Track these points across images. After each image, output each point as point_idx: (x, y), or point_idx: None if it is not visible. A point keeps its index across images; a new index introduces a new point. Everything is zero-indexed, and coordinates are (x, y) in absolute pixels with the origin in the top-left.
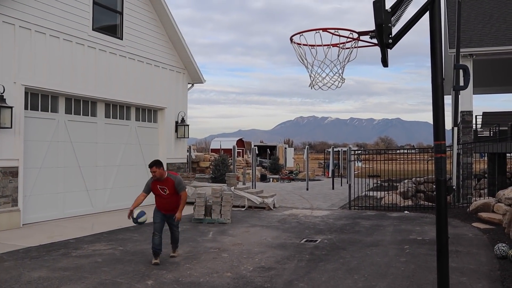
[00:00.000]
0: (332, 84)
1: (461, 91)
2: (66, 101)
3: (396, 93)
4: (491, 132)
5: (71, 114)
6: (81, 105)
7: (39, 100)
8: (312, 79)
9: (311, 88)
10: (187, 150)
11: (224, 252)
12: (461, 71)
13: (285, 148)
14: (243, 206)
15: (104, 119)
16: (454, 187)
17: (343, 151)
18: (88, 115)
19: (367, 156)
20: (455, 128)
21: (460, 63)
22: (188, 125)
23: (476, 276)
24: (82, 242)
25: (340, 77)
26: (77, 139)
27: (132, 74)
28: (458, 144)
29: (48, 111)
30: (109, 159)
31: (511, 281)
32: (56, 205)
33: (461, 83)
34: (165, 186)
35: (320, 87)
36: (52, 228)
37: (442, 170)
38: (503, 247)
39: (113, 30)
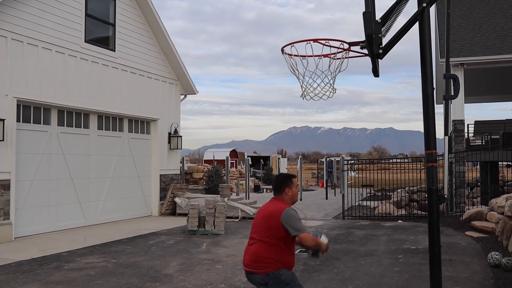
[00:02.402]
0: (324, 94)
1: (452, 100)
2: (58, 113)
3: (388, 102)
4: (483, 141)
5: (64, 126)
6: (73, 117)
7: (31, 112)
8: (303, 90)
9: (303, 98)
10: (180, 161)
11: (218, 264)
12: (451, 80)
13: (279, 158)
14: (237, 217)
15: (96, 131)
16: (446, 196)
17: (336, 161)
18: (80, 127)
19: (360, 165)
20: (446, 137)
21: (451, 72)
22: (181, 136)
23: (469, 285)
24: (74, 255)
25: (332, 87)
26: (69, 151)
27: (125, 85)
28: (450, 153)
29: (40, 123)
30: (101, 171)
31: None
32: (48, 218)
33: (452, 93)
34: None
35: (311, 98)
36: (44, 241)
37: (434, 179)
38: (496, 255)
39: (106, 42)
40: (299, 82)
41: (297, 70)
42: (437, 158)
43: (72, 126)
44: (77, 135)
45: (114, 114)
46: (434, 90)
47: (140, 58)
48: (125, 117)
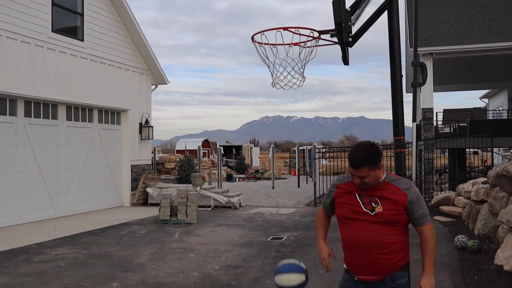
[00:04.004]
0: (294, 83)
1: (422, 89)
2: (25, 104)
3: (360, 92)
4: (451, 129)
5: (31, 117)
6: (41, 108)
7: None
8: (274, 78)
9: (273, 86)
10: (152, 152)
11: (191, 252)
12: (419, 68)
13: (251, 147)
14: (209, 206)
15: (65, 122)
16: (413, 181)
17: (308, 149)
18: (49, 118)
19: (332, 154)
20: (415, 124)
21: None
22: (152, 127)
23: (437, 267)
24: (44, 247)
25: (302, 76)
26: (37, 142)
27: (94, 76)
28: (419, 140)
29: (6, 115)
30: (71, 162)
31: (470, 270)
32: (17, 210)
33: (420, 80)
34: (380, 196)
35: (281, 87)
36: (12, 234)
37: (402, 164)
38: (463, 238)
39: (74, 31)
40: (270, 71)
41: (268, 58)
42: (406, 146)
43: (40, 117)
44: (45, 126)
45: (83, 104)
46: (403, 78)
47: (110, 48)
48: (94, 107)
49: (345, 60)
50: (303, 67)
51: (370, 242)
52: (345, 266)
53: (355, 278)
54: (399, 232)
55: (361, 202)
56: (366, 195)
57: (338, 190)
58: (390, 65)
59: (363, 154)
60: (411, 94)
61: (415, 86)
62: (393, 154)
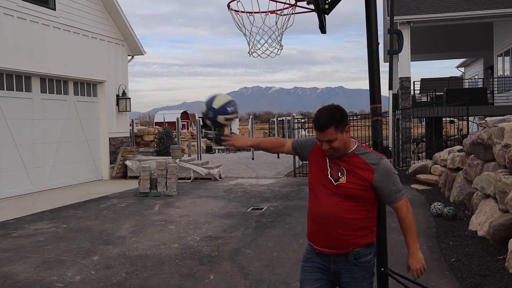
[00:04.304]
0: (271, 52)
1: (399, 58)
2: None
3: (338, 62)
4: (428, 98)
5: (3, 90)
6: (13, 81)
7: None
8: (250, 47)
9: (250, 55)
10: (130, 124)
11: (171, 224)
12: (395, 35)
13: None
14: (189, 178)
15: (40, 95)
16: (390, 148)
17: (287, 120)
18: (22, 91)
19: (311, 124)
20: (391, 91)
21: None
22: (129, 98)
23: None
24: (22, 222)
25: (279, 44)
26: (11, 116)
27: (68, 46)
28: (397, 109)
29: None
30: (47, 136)
31: (446, 236)
32: None
33: (396, 47)
34: (346, 167)
35: (259, 55)
36: None
37: (379, 132)
38: (439, 205)
39: (45, 0)
40: (246, 39)
41: (244, 27)
42: (384, 115)
43: (13, 90)
44: (19, 99)
45: (57, 76)
46: (381, 47)
47: (84, 17)
48: (69, 79)
49: (322, 28)
50: (280, 35)
51: (329, 216)
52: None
53: (321, 254)
54: (362, 208)
55: (329, 169)
56: (335, 163)
57: (316, 147)
58: (366, 32)
59: (328, 115)
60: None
61: (391, 53)
62: (370, 124)
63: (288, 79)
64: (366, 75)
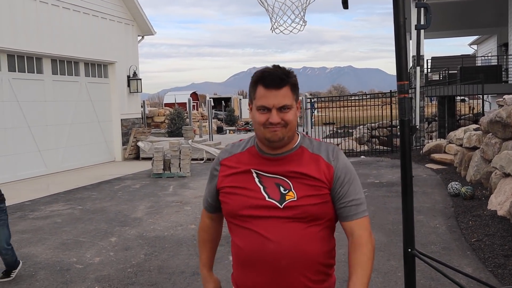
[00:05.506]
0: (294, 28)
1: (412, 36)
2: (8, 58)
3: (347, 41)
4: (441, 76)
5: (15, 71)
6: (25, 62)
7: None
8: (273, 23)
9: (272, 31)
10: (141, 105)
11: (187, 205)
12: (422, 9)
13: (240, 99)
14: (202, 159)
15: (51, 76)
16: (417, 126)
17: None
18: (34, 72)
19: (321, 104)
20: (418, 68)
21: (414, 6)
22: (140, 79)
23: (432, 214)
24: (38, 203)
25: (302, 20)
26: (24, 98)
27: (78, 27)
28: (410, 88)
29: None
30: (60, 117)
31: (464, 216)
32: (7, 167)
33: (423, 22)
34: (289, 175)
35: (281, 31)
36: (5, 191)
37: (406, 110)
38: (456, 185)
39: None
40: (269, 15)
41: (266, 2)
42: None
43: (25, 72)
44: (31, 81)
45: (68, 57)
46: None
47: None
48: (80, 60)
49: (345, 3)
50: (304, 10)
51: (286, 256)
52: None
53: None
54: (327, 233)
55: (262, 188)
56: (270, 173)
57: (224, 169)
58: (393, 6)
59: (283, 71)
60: (416, 39)
61: (419, 28)
62: (381, 104)
63: (297, 59)
64: (375, 54)
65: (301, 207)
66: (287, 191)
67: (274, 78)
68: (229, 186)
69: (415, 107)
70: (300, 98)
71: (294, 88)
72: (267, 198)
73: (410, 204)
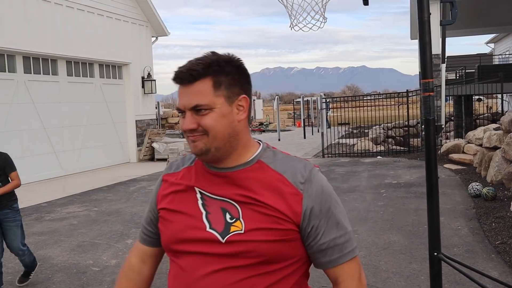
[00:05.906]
0: (314, 25)
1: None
2: (24, 60)
3: (361, 40)
4: (457, 75)
5: (31, 73)
6: (40, 64)
7: None
8: (292, 20)
9: (291, 29)
10: (156, 106)
11: None
12: (448, 4)
13: (254, 100)
14: None
15: (66, 78)
16: (442, 126)
17: (313, 100)
18: (49, 74)
19: (335, 104)
20: (443, 65)
21: (427, 5)
22: (155, 80)
23: (453, 215)
24: (54, 205)
25: (322, 16)
26: (39, 99)
27: (93, 28)
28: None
29: (5, 71)
30: (75, 119)
31: (487, 217)
32: (23, 169)
33: (450, 18)
34: (240, 199)
35: (300, 29)
36: (21, 193)
37: (431, 109)
38: (477, 185)
39: None
40: (288, 12)
41: None
42: (411, 94)
43: (40, 74)
44: (46, 83)
45: (83, 59)
46: (407, 22)
47: None
48: (95, 62)
49: (365, 0)
50: (323, 7)
51: None
52: None
53: None
54: (292, 283)
55: (204, 213)
56: (216, 195)
57: (166, 186)
58: (417, 2)
59: (204, 60)
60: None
61: (445, 24)
62: (396, 103)
63: (310, 59)
64: (389, 53)
65: (248, 243)
66: (233, 220)
67: (183, 70)
68: (166, 209)
69: (440, 106)
70: (315, 98)
71: (220, 80)
72: (207, 228)
73: (436, 206)
